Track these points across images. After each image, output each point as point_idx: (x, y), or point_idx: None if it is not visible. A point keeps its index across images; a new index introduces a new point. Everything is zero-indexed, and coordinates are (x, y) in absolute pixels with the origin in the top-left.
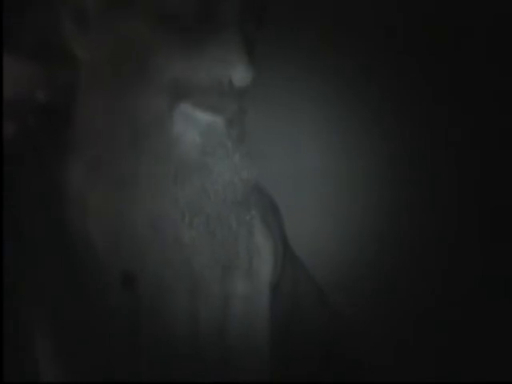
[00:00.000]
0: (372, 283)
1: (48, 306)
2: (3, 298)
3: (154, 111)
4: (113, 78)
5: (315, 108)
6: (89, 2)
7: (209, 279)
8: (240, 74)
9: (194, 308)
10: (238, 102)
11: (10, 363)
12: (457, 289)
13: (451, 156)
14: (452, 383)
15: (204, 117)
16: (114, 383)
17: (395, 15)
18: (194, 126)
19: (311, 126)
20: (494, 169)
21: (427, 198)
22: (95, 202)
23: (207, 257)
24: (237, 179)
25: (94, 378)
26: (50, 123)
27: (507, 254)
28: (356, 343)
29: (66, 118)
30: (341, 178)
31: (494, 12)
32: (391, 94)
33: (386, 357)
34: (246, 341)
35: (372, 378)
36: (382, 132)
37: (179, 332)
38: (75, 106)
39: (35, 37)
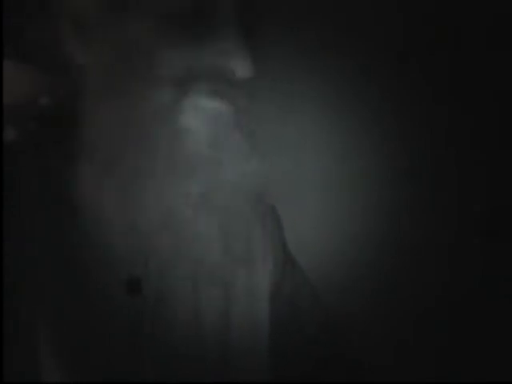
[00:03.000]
0: (372, 283)
1: (52, 307)
2: (4, 298)
3: (159, 107)
4: (116, 78)
5: (315, 108)
6: (88, 9)
7: (211, 281)
8: (241, 66)
9: (196, 310)
10: (243, 89)
11: (10, 363)
12: (457, 289)
13: (451, 156)
14: (452, 383)
15: (211, 105)
16: (115, 383)
17: (395, 15)
18: (201, 116)
19: (311, 126)
20: (493, 169)
21: (427, 198)
22: (106, 202)
23: (220, 252)
24: (248, 170)
25: (96, 378)
26: (53, 128)
27: (507, 254)
28: (355, 343)
29: (70, 122)
30: (341, 178)
31: (494, 12)
32: (391, 94)
33: (385, 357)
34: (246, 342)
35: (372, 378)
36: (382, 132)
37: (182, 333)
38: (80, 110)
39: (38, 43)
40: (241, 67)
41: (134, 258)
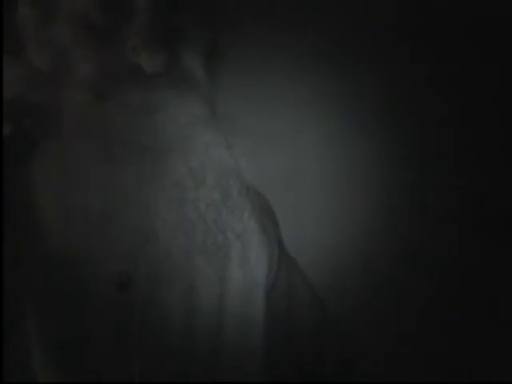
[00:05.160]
0: (371, 283)
1: (44, 305)
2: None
3: (81, 110)
4: (53, 84)
5: (315, 108)
6: (28, 15)
7: (203, 277)
8: (147, 59)
9: (189, 308)
10: (156, 83)
11: (10, 363)
12: (456, 289)
13: (451, 156)
14: (452, 383)
15: (125, 103)
16: (113, 383)
17: (394, 15)
18: (130, 115)
19: (310, 127)
20: (494, 169)
21: (427, 198)
22: (96, 200)
23: (213, 249)
24: (206, 160)
25: (88, 378)
26: (46, 125)
27: (507, 254)
28: (354, 343)
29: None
30: (340, 179)
31: (494, 12)
32: (391, 94)
33: (384, 357)
34: (241, 341)
35: (370, 378)
36: (382, 132)
37: (174, 332)
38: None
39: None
40: (148, 61)
41: (124, 256)
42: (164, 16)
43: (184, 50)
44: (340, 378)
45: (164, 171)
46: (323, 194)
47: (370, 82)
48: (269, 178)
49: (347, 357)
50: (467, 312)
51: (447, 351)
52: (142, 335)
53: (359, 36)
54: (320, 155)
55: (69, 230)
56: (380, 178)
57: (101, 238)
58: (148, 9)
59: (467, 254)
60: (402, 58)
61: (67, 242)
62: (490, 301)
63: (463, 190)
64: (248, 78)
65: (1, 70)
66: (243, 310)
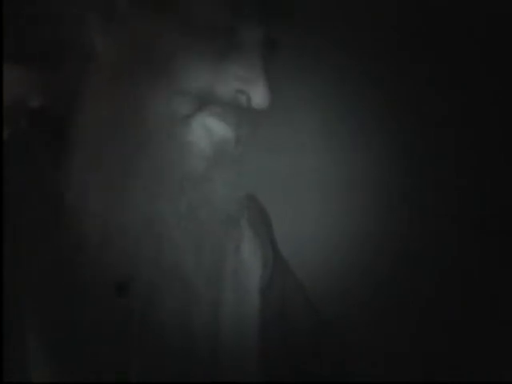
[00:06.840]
0: (370, 284)
1: (41, 307)
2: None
3: (169, 117)
4: (129, 78)
5: (315, 108)
6: (115, 2)
7: (199, 284)
8: (259, 96)
9: (185, 312)
10: (253, 120)
11: (10, 363)
12: (457, 289)
13: (451, 156)
14: (452, 383)
15: (217, 128)
16: (113, 383)
17: (394, 15)
18: (206, 136)
19: (310, 127)
20: (494, 169)
21: (426, 199)
22: (91, 203)
23: (197, 262)
24: (234, 194)
25: (88, 378)
26: (44, 126)
27: (507, 254)
28: (353, 344)
29: (61, 122)
30: (340, 179)
31: (494, 12)
32: (391, 94)
33: (382, 357)
34: (236, 343)
35: (365, 378)
36: (382, 132)
37: (171, 333)
38: (75, 110)
39: (33, 40)
40: (258, 98)
41: (122, 259)
42: (273, 51)
43: None
44: (339, 378)
45: (190, 198)
46: (323, 194)
47: (370, 82)
48: (269, 178)
49: (346, 357)
50: (467, 312)
51: (447, 351)
52: (142, 335)
53: (359, 36)
54: (320, 155)
55: (73, 231)
56: (380, 177)
57: (102, 239)
58: (256, 43)
59: (467, 253)
60: (402, 57)
61: (68, 242)
62: (490, 301)
63: (463, 190)
64: None
65: (1, 71)
66: (238, 310)
